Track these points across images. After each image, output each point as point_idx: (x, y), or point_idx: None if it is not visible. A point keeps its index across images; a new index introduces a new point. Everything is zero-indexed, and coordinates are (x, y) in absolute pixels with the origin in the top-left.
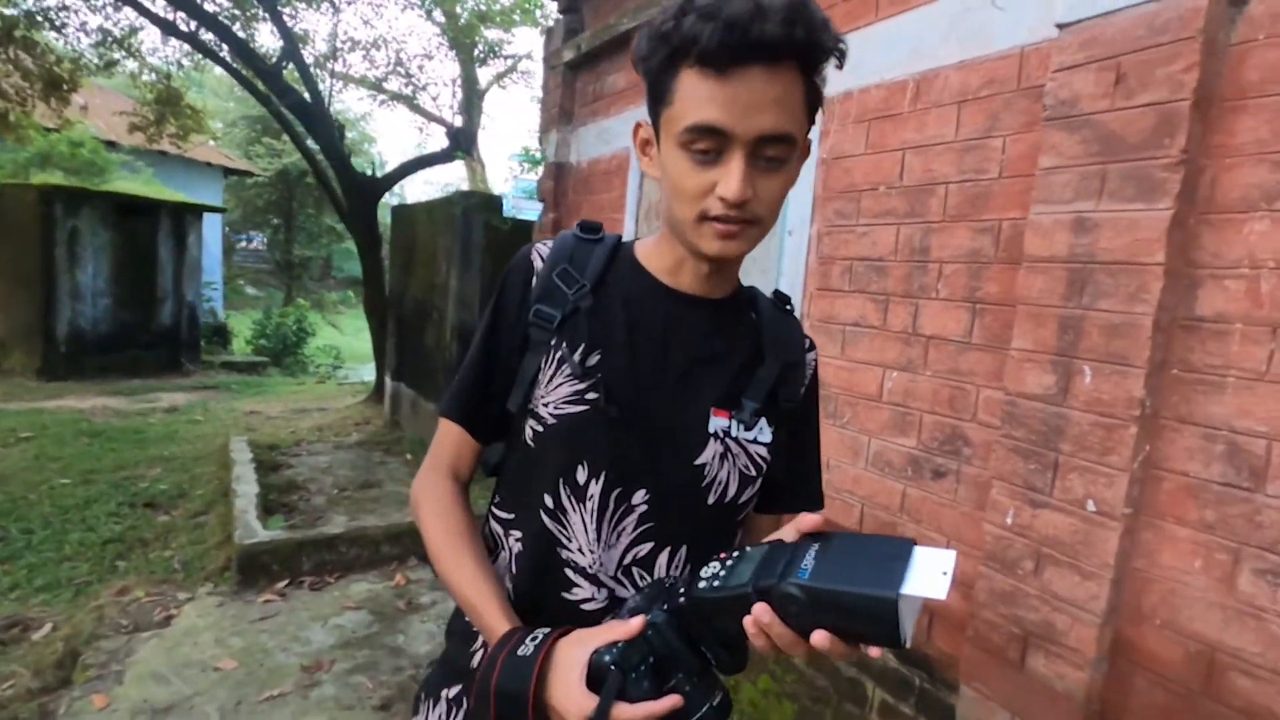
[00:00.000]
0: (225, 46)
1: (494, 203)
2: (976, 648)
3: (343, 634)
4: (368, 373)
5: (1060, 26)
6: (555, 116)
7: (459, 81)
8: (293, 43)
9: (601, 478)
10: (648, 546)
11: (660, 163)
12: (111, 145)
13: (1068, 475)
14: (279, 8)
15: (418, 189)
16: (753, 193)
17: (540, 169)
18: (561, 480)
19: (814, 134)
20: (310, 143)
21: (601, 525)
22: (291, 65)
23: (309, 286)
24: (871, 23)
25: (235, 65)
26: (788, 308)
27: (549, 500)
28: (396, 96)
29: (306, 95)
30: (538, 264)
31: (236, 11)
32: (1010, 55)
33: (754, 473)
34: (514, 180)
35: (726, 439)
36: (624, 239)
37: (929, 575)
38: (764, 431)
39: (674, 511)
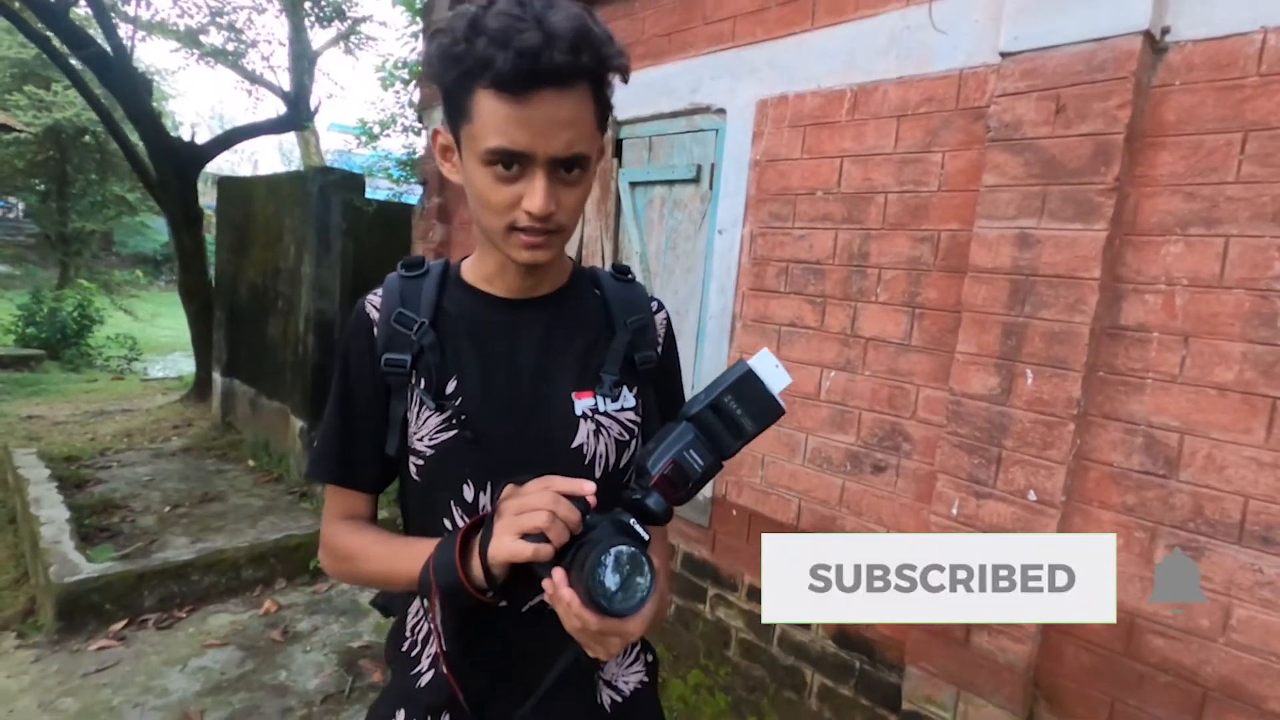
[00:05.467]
0: None
1: (355, 181)
2: (922, 630)
3: (210, 677)
4: (174, 365)
5: (1004, 55)
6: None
7: (291, 42)
8: None
9: (488, 488)
10: None
11: (464, 173)
12: None
13: (1010, 468)
14: None
15: (221, 159)
16: (555, 205)
17: (376, 144)
18: (452, 502)
19: (746, 136)
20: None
21: None
22: (82, 2)
23: (88, 264)
24: (808, 29)
25: None
26: (628, 277)
27: (447, 524)
28: (217, 53)
29: (105, 44)
30: (374, 315)
31: None
32: (949, 76)
33: (627, 436)
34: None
35: (596, 416)
36: (450, 261)
37: (769, 372)
38: (628, 398)
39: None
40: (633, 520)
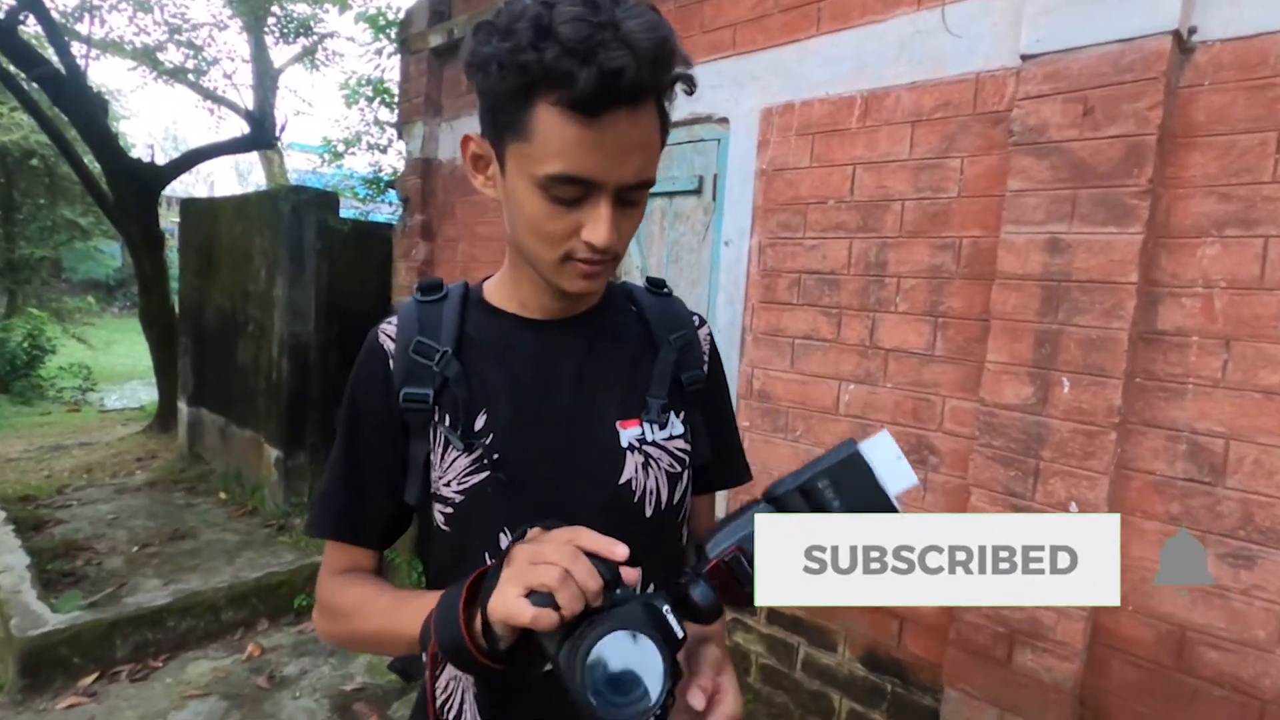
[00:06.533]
0: None
1: (329, 200)
2: (961, 650)
3: None
4: (133, 395)
5: (1025, 57)
6: (420, 107)
7: (254, 59)
8: None
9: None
10: None
11: (507, 191)
12: None
13: (1049, 480)
14: None
15: (175, 181)
16: (617, 235)
17: (341, 163)
18: (488, 555)
19: (751, 145)
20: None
21: None
22: (32, 19)
23: (37, 292)
24: (812, 35)
25: None
26: (664, 291)
27: None
28: (176, 72)
29: (58, 62)
30: (389, 345)
31: None
32: (965, 80)
33: (679, 469)
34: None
35: (644, 447)
36: (470, 284)
37: (887, 464)
38: (676, 425)
39: (616, 537)
40: (668, 609)
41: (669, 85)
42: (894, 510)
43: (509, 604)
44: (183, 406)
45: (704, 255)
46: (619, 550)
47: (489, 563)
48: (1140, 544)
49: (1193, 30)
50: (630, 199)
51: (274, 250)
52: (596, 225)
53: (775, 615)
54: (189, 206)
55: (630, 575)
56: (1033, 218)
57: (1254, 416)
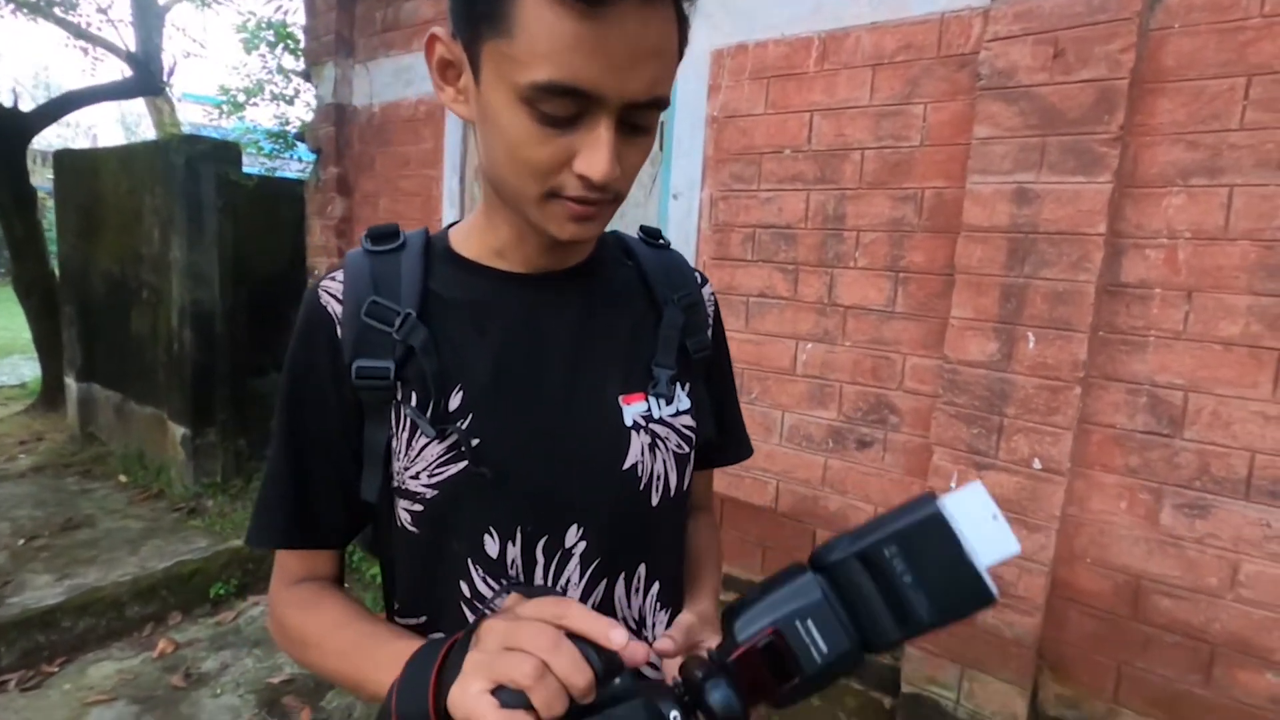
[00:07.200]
0: None
1: (230, 151)
2: None
3: None
4: (13, 370)
5: None
6: (330, 46)
7: None
8: None
9: (518, 536)
10: (601, 587)
11: (481, 107)
12: None
13: (1013, 437)
14: None
15: (51, 133)
16: (619, 168)
17: (243, 114)
18: (471, 561)
19: (701, 90)
20: None
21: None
22: None
23: None
24: None
25: None
26: (661, 242)
27: (465, 588)
28: (39, 5)
29: None
30: (334, 308)
31: None
32: (930, 21)
33: (687, 449)
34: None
35: (650, 424)
36: (431, 232)
37: (979, 526)
38: (683, 399)
39: (619, 533)
40: (676, 715)
41: None
42: (985, 588)
43: (470, 702)
44: (71, 382)
45: (650, 209)
46: (615, 636)
47: (473, 570)
48: (1100, 498)
49: None
50: (639, 123)
51: (168, 208)
52: (594, 153)
53: (732, 582)
54: (64, 159)
55: (637, 655)
56: (1000, 167)
57: (1213, 368)
